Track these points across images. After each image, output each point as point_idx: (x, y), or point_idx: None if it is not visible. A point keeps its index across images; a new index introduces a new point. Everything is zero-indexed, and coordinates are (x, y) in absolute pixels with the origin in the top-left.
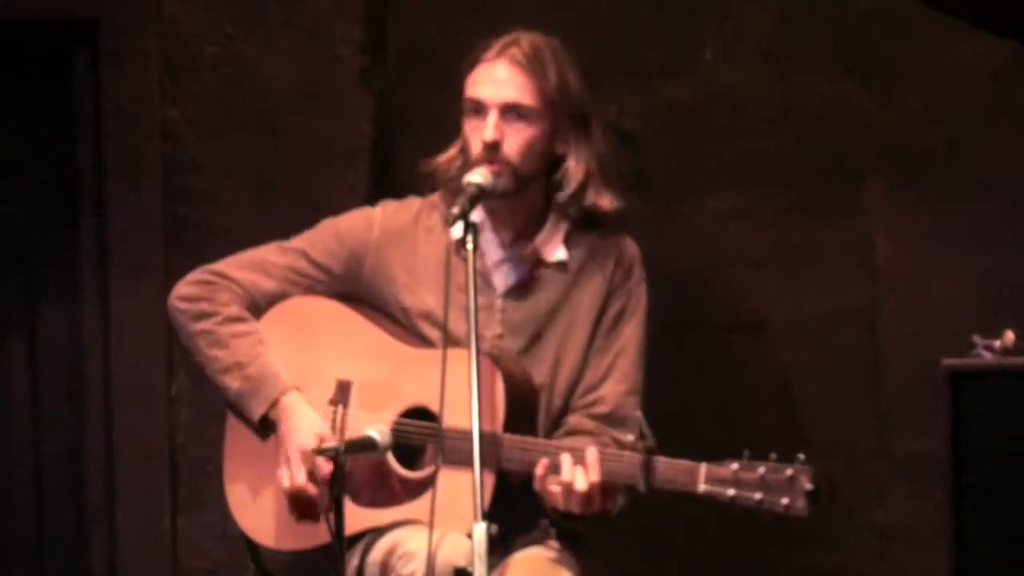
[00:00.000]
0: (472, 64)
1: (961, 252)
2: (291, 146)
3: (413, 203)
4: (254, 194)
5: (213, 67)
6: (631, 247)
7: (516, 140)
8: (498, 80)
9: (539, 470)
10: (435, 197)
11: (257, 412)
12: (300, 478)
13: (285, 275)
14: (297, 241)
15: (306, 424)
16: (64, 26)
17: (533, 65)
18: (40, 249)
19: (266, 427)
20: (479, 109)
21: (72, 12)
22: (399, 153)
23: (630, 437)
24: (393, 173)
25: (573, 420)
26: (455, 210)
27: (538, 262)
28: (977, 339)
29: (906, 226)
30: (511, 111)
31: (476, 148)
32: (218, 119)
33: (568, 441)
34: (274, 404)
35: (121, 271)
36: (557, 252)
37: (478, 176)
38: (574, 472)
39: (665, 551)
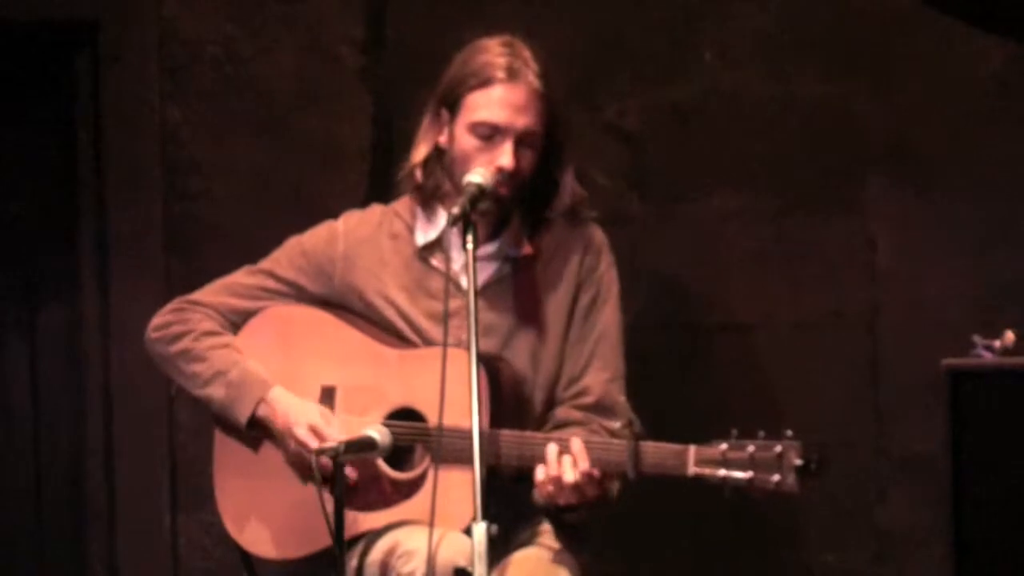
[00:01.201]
0: (480, 80)
1: (961, 252)
2: (291, 146)
3: (374, 211)
4: (254, 194)
5: (213, 67)
6: (597, 234)
7: (525, 165)
8: (517, 108)
9: (539, 475)
10: (397, 204)
11: (244, 415)
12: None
13: (255, 295)
14: (265, 262)
15: (300, 407)
16: (64, 26)
17: (546, 90)
18: (40, 249)
19: (255, 430)
20: (491, 134)
21: (72, 12)
22: (399, 153)
23: (618, 424)
24: (393, 173)
25: (560, 413)
26: (455, 211)
27: (505, 259)
28: (977, 339)
29: (906, 226)
30: (525, 139)
31: (487, 170)
32: (218, 119)
33: (557, 435)
34: (260, 403)
35: (121, 271)
36: (525, 247)
37: (478, 176)
38: (562, 464)
39: (666, 551)
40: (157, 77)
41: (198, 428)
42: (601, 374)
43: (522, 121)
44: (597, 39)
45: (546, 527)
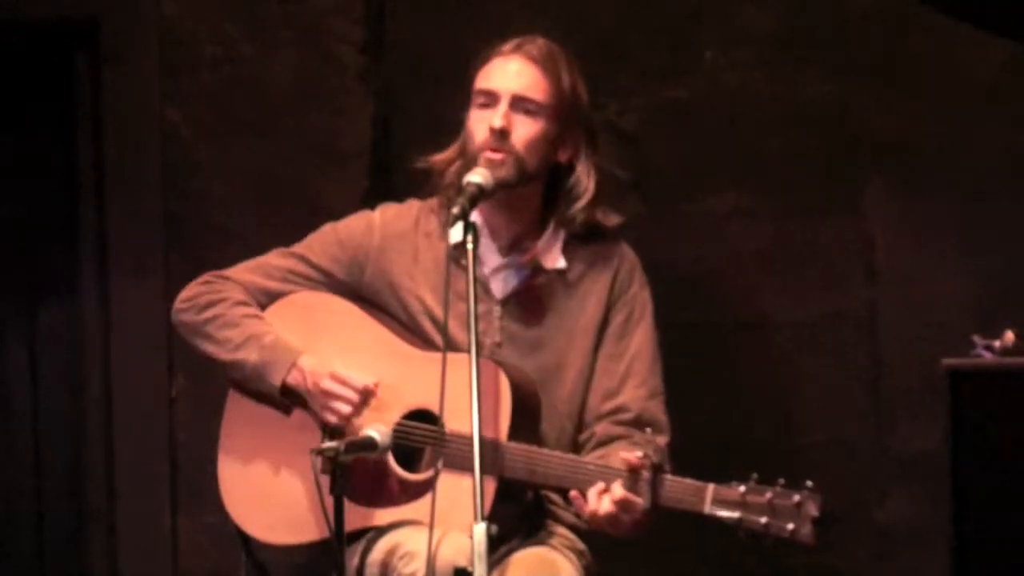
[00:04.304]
0: (485, 59)
1: (961, 252)
2: (291, 146)
3: (412, 206)
4: (254, 194)
5: (213, 67)
6: (629, 255)
7: (523, 132)
8: (511, 73)
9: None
10: (433, 201)
11: (279, 378)
12: (353, 396)
13: (285, 278)
14: (298, 246)
15: (325, 365)
16: (64, 26)
17: (547, 64)
18: (40, 249)
19: (287, 397)
20: (488, 101)
21: (72, 12)
22: (398, 153)
23: (664, 439)
24: (392, 173)
25: (601, 429)
26: (455, 210)
27: (537, 270)
28: (977, 339)
29: (906, 226)
30: (521, 104)
31: (481, 136)
32: (218, 119)
33: (599, 452)
34: (292, 367)
35: (121, 271)
36: (556, 261)
37: (478, 176)
38: (601, 500)
39: (666, 551)
40: (157, 77)
41: (198, 428)
42: (638, 391)
43: (516, 84)
44: (597, 39)
45: (548, 527)
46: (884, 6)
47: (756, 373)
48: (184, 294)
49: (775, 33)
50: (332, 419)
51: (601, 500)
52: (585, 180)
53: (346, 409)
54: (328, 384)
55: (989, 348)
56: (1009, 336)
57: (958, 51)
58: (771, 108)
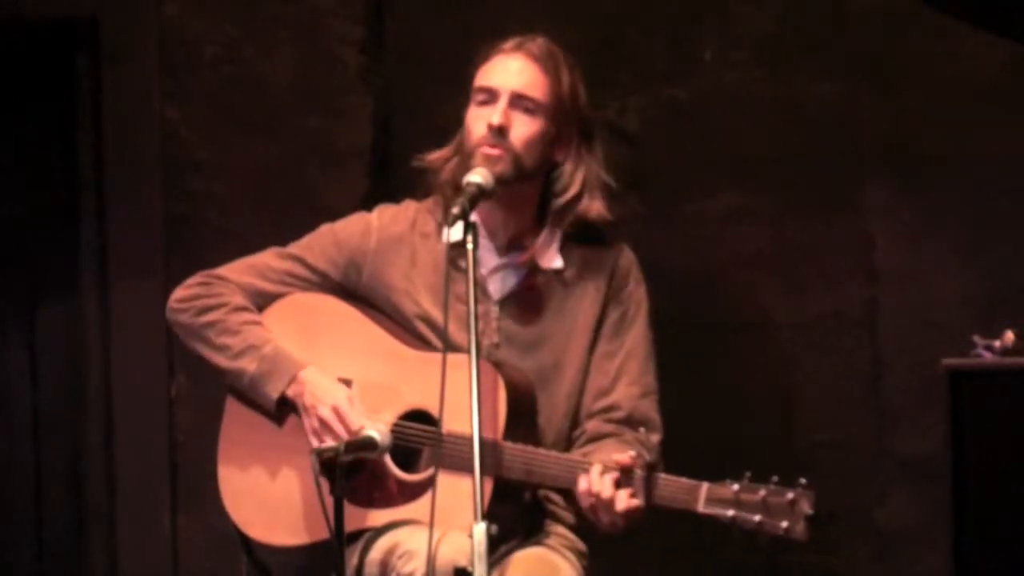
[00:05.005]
0: (486, 57)
1: (961, 252)
2: (291, 146)
3: (409, 208)
4: (254, 194)
5: (213, 67)
6: (626, 254)
7: (522, 131)
8: (512, 71)
9: (582, 485)
10: (430, 201)
11: (277, 390)
12: (344, 435)
13: (282, 279)
14: (295, 247)
15: (330, 388)
16: (64, 26)
17: (547, 63)
18: (40, 249)
19: (283, 409)
20: (488, 98)
21: (72, 12)
22: (398, 153)
23: (655, 437)
24: (392, 173)
25: (591, 426)
26: (455, 210)
27: (534, 270)
28: (977, 339)
29: (906, 226)
30: (520, 102)
31: (479, 132)
32: (218, 119)
33: (587, 449)
34: (292, 380)
35: (121, 271)
36: (553, 260)
37: (478, 176)
38: (604, 480)
39: (666, 551)
40: (157, 77)
41: (198, 428)
42: (631, 389)
43: (516, 81)
44: (597, 39)
45: (547, 527)
46: (884, 6)
47: (756, 373)
48: (180, 293)
49: (775, 33)
50: (316, 445)
51: (604, 480)
52: (571, 174)
53: (333, 444)
54: (327, 414)
55: (989, 348)
56: (1009, 336)
57: (958, 51)
58: (771, 108)
